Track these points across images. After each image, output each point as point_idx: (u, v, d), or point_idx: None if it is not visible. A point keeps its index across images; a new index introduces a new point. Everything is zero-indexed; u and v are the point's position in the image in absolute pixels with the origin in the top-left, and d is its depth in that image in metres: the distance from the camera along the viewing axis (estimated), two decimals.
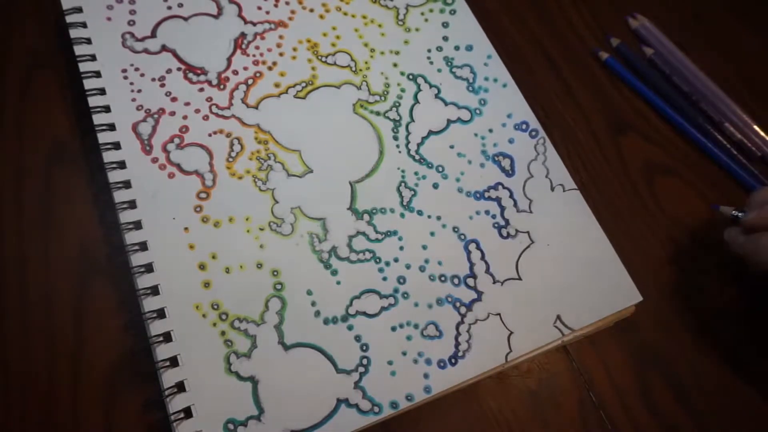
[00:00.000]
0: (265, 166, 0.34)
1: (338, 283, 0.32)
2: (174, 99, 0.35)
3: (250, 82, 0.36)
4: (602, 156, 0.41)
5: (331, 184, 0.35)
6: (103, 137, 0.33)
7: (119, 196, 0.32)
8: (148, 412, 0.30)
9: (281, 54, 0.38)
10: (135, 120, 0.34)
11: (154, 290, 0.30)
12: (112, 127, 0.34)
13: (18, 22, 0.38)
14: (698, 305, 0.37)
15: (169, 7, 0.37)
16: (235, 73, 0.36)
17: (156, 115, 0.34)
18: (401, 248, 0.33)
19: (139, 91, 0.35)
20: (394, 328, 0.32)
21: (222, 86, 0.36)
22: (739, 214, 0.35)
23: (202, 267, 0.31)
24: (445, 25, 0.40)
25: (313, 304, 0.31)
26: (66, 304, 0.32)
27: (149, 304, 0.30)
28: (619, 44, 0.45)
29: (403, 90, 0.38)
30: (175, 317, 0.30)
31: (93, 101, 0.34)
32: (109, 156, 0.33)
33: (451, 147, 0.37)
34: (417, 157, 0.36)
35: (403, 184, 0.35)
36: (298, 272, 0.32)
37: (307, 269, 0.32)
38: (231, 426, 0.28)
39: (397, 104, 0.37)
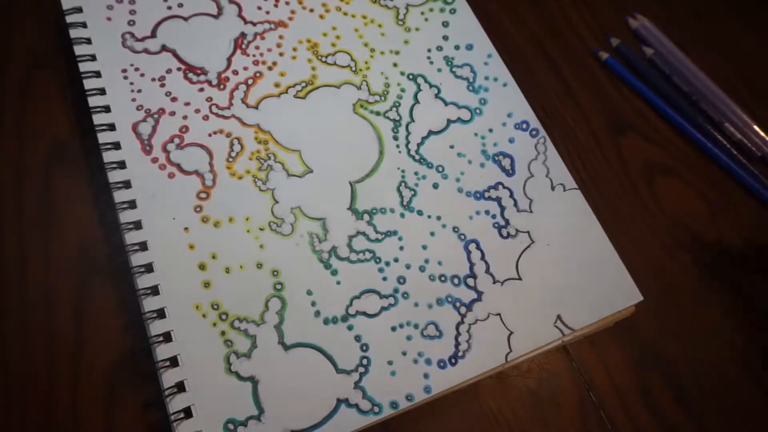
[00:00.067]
0: (265, 166, 0.34)
1: (338, 283, 0.32)
2: (174, 99, 0.35)
3: (250, 82, 0.36)
4: (602, 156, 0.41)
5: (331, 184, 0.35)
6: (103, 137, 0.33)
7: (119, 196, 0.32)
8: (148, 412, 0.30)
9: (281, 54, 0.38)
10: (135, 120, 0.34)
11: (154, 290, 0.30)
12: (112, 127, 0.34)
13: (18, 22, 0.38)
14: (698, 305, 0.37)
15: (169, 7, 0.37)
16: (235, 73, 0.36)
17: (156, 115, 0.34)
18: (401, 248, 0.33)
19: (139, 91, 0.35)
20: (394, 328, 0.32)
21: (222, 86, 0.36)
22: None
23: (202, 267, 0.31)
24: (445, 24, 0.40)
25: (313, 304, 0.31)
26: (66, 304, 0.32)
27: (149, 304, 0.30)
28: (619, 44, 0.45)
29: (403, 90, 0.38)
30: (175, 317, 0.30)
31: (93, 101, 0.34)
32: (109, 156, 0.33)
33: (451, 147, 0.37)
34: (417, 157, 0.36)
35: (403, 184, 0.35)
36: (298, 272, 0.32)
37: (307, 269, 0.32)
38: (231, 426, 0.28)
39: (397, 104, 0.37)
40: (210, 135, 0.35)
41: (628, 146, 0.41)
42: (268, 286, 0.31)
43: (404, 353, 0.31)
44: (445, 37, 0.40)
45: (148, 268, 0.31)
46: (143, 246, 0.31)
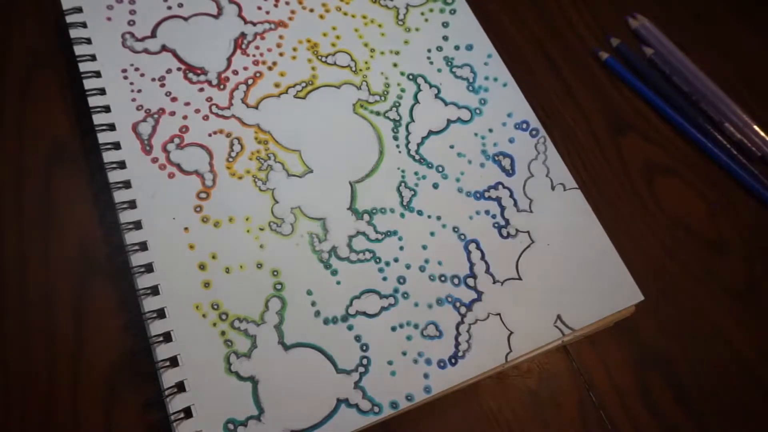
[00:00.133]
0: (265, 166, 0.34)
1: (338, 283, 0.32)
2: (174, 99, 0.35)
3: (250, 82, 0.36)
4: (602, 156, 0.41)
5: (331, 184, 0.35)
6: (103, 137, 0.33)
7: (119, 196, 0.32)
8: (148, 412, 0.30)
9: (281, 54, 0.38)
10: (135, 120, 0.34)
11: (154, 290, 0.30)
12: (112, 127, 0.34)
13: (18, 22, 0.38)
14: (698, 305, 0.37)
15: (169, 7, 0.37)
16: (235, 73, 0.36)
17: (156, 115, 0.34)
18: (401, 248, 0.33)
19: (139, 91, 0.35)
20: (394, 328, 0.32)
21: (222, 86, 0.36)
22: None
23: (202, 267, 0.31)
24: (445, 24, 0.40)
25: (313, 304, 0.31)
26: (66, 304, 0.32)
27: (149, 304, 0.30)
28: (619, 44, 0.45)
29: (403, 90, 0.38)
30: (175, 317, 0.30)
31: (93, 101, 0.34)
32: (109, 156, 0.33)
33: (451, 147, 0.37)
34: (417, 157, 0.36)
35: (403, 184, 0.35)
36: (298, 272, 0.32)
37: (307, 269, 0.32)
38: (231, 426, 0.28)
39: (397, 104, 0.37)
40: (210, 135, 0.35)
41: (628, 146, 0.41)
42: (268, 286, 0.31)
43: (404, 353, 0.31)
44: (445, 38, 0.40)
45: (148, 268, 0.31)
46: (143, 246, 0.31)
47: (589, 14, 0.46)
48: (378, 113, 0.37)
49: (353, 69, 0.38)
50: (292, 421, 0.29)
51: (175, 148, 0.34)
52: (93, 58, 0.35)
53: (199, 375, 0.29)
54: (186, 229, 0.32)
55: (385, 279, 0.33)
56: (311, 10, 0.39)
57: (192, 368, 0.29)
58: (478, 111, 0.38)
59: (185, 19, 0.37)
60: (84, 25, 0.36)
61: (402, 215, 0.34)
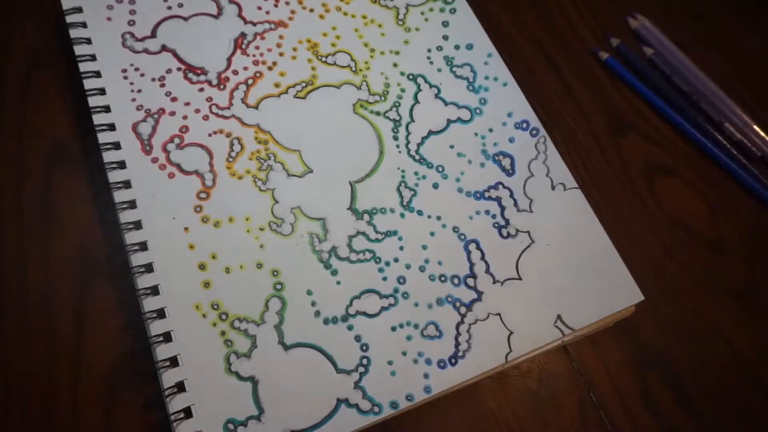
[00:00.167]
0: (265, 166, 0.34)
1: (338, 283, 0.32)
2: (174, 99, 0.35)
3: (250, 82, 0.36)
4: (602, 156, 0.41)
5: (331, 184, 0.34)
6: (103, 137, 0.33)
7: (119, 196, 0.32)
8: (148, 412, 0.30)
9: (281, 54, 0.38)
10: (135, 120, 0.34)
11: (154, 290, 0.30)
12: (112, 127, 0.34)
13: (18, 22, 0.38)
14: (698, 305, 0.37)
15: (169, 7, 0.37)
16: (235, 73, 0.36)
17: (156, 115, 0.34)
18: (401, 248, 0.33)
19: (139, 91, 0.35)
20: (394, 328, 0.32)
21: (222, 86, 0.36)
22: None
23: (202, 267, 0.31)
24: (446, 24, 0.40)
25: (313, 304, 0.31)
26: (66, 304, 0.32)
27: (149, 304, 0.30)
28: (619, 44, 0.45)
29: (403, 90, 0.38)
30: (175, 317, 0.30)
31: (93, 101, 0.34)
32: (109, 156, 0.33)
33: (451, 147, 0.37)
34: (417, 157, 0.36)
35: (403, 184, 0.35)
36: (298, 272, 0.32)
37: (307, 269, 0.32)
38: (231, 426, 0.28)
39: (397, 104, 0.37)
40: (210, 135, 0.35)
41: (628, 146, 0.41)
42: (268, 286, 0.31)
43: (404, 353, 0.31)
44: (445, 37, 0.40)
45: (148, 268, 0.31)
46: (143, 246, 0.31)
47: (589, 14, 0.46)
48: (378, 113, 0.37)
49: (353, 69, 0.38)
50: (292, 421, 0.29)
51: (175, 148, 0.34)
52: (93, 58, 0.35)
53: (199, 375, 0.29)
54: (186, 229, 0.32)
55: (385, 279, 0.33)
56: (311, 10, 0.39)
57: (192, 368, 0.29)
58: (478, 111, 0.38)
59: (185, 19, 0.37)
60: (84, 25, 0.36)
61: (402, 215, 0.34)
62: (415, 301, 0.32)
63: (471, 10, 0.41)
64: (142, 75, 0.35)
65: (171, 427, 0.28)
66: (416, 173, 0.36)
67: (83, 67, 0.35)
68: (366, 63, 0.38)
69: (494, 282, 0.33)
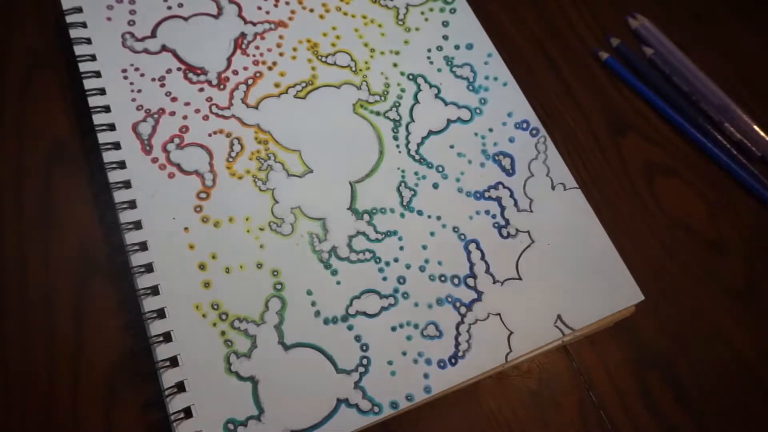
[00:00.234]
0: (265, 166, 0.34)
1: (338, 283, 0.32)
2: (174, 99, 0.35)
3: (250, 82, 0.36)
4: (602, 156, 0.41)
5: (331, 184, 0.34)
6: (103, 137, 0.33)
7: (119, 196, 0.32)
8: (148, 412, 0.30)
9: (281, 54, 0.38)
10: (135, 120, 0.34)
11: (154, 290, 0.30)
12: (112, 127, 0.34)
13: (18, 22, 0.38)
14: (698, 305, 0.37)
15: (169, 7, 0.37)
16: (235, 73, 0.36)
17: (156, 115, 0.34)
18: (401, 248, 0.33)
19: (139, 91, 0.35)
20: (394, 328, 0.32)
21: (222, 86, 0.36)
22: None
23: (202, 267, 0.31)
24: (446, 24, 0.40)
25: (313, 304, 0.31)
26: (66, 304, 0.32)
27: (149, 304, 0.30)
28: (619, 44, 0.45)
29: (403, 90, 0.38)
30: (175, 317, 0.30)
31: (93, 101, 0.34)
32: (109, 156, 0.33)
33: (451, 147, 0.37)
34: (417, 157, 0.36)
35: (403, 184, 0.35)
36: (298, 272, 0.32)
37: (307, 269, 0.32)
38: (231, 426, 0.28)
39: (397, 104, 0.37)
40: (210, 135, 0.35)
41: (628, 146, 0.41)
42: (268, 286, 0.31)
43: (404, 353, 0.31)
44: (445, 37, 0.40)
45: (148, 268, 0.31)
46: (143, 246, 0.31)
47: (589, 14, 0.46)
48: (378, 113, 0.37)
49: (353, 69, 0.38)
50: (292, 421, 0.29)
51: (175, 148, 0.34)
52: (93, 58, 0.35)
53: (199, 375, 0.29)
54: (186, 229, 0.32)
55: (385, 279, 0.33)
56: (311, 10, 0.39)
57: (192, 368, 0.29)
58: (478, 111, 0.38)
59: (185, 19, 0.37)
60: (84, 25, 0.36)
61: (402, 215, 0.34)
62: (415, 301, 0.32)
63: (471, 10, 0.41)
64: (142, 75, 0.35)
65: (171, 427, 0.28)
66: (416, 173, 0.36)
67: (83, 67, 0.35)
68: (366, 63, 0.38)
69: (494, 282, 0.33)
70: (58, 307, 0.32)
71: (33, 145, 0.35)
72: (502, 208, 0.35)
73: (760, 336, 0.36)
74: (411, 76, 0.38)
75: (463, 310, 0.32)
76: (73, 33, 0.35)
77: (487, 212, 0.35)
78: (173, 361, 0.29)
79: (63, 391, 0.30)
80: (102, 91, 0.34)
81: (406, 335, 0.31)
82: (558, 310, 0.33)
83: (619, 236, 0.35)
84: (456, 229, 0.34)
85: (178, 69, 0.36)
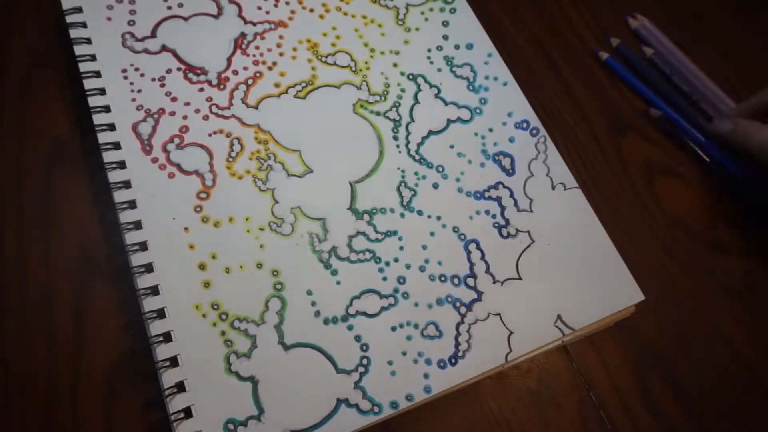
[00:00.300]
0: (265, 166, 0.34)
1: (338, 283, 0.32)
2: (174, 99, 0.35)
3: (250, 82, 0.36)
4: (602, 156, 0.41)
5: (331, 184, 0.34)
6: (103, 137, 0.33)
7: (119, 196, 0.32)
8: (148, 412, 0.30)
9: (281, 54, 0.38)
10: (135, 120, 0.34)
11: (154, 290, 0.30)
12: (112, 127, 0.34)
13: (18, 22, 0.38)
14: (698, 305, 0.37)
15: (169, 7, 0.37)
16: (235, 73, 0.36)
17: (156, 115, 0.34)
18: (401, 248, 0.33)
19: (139, 91, 0.35)
20: (394, 328, 0.32)
21: (222, 86, 0.36)
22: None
23: (202, 267, 0.31)
24: (446, 24, 0.40)
25: (313, 304, 0.31)
26: (66, 304, 0.32)
27: (149, 304, 0.30)
28: (619, 44, 0.45)
29: (403, 90, 0.38)
30: (175, 317, 0.30)
31: (93, 101, 0.34)
32: (109, 156, 0.33)
33: (451, 147, 0.37)
34: (417, 157, 0.36)
35: (403, 184, 0.35)
36: (298, 272, 0.32)
37: (307, 269, 0.32)
38: (231, 426, 0.28)
39: (397, 104, 0.37)
40: (210, 135, 0.35)
41: (628, 146, 0.41)
42: (268, 286, 0.31)
43: (404, 353, 0.31)
44: (445, 37, 0.40)
45: (148, 268, 0.31)
46: (143, 246, 0.31)
47: (589, 14, 0.46)
48: (378, 113, 0.37)
49: (353, 69, 0.38)
50: (292, 421, 0.29)
51: (175, 148, 0.34)
52: (93, 58, 0.35)
53: (199, 375, 0.29)
54: (186, 229, 0.32)
55: (385, 279, 0.33)
56: (311, 10, 0.39)
57: (192, 368, 0.29)
58: (478, 110, 0.38)
59: (185, 19, 0.37)
60: (84, 25, 0.36)
61: (402, 215, 0.34)
62: (415, 301, 0.32)
63: (471, 10, 0.41)
64: (142, 75, 0.35)
65: (171, 427, 0.28)
66: (416, 173, 0.36)
67: (83, 67, 0.35)
68: (366, 63, 0.38)
69: (494, 282, 0.33)
70: (58, 307, 0.32)
71: (33, 145, 0.35)
72: (502, 208, 0.35)
73: (760, 336, 0.36)
74: (411, 76, 0.38)
75: (463, 310, 0.32)
76: (73, 33, 0.35)
77: (487, 212, 0.35)
78: (173, 361, 0.29)
79: (63, 391, 0.30)
80: (102, 91, 0.34)
81: (406, 335, 0.31)
82: (558, 310, 0.33)
83: (619, 236, 0.35)
84: (456, 229, 0.34)
85: (178, 69, 0.36)
